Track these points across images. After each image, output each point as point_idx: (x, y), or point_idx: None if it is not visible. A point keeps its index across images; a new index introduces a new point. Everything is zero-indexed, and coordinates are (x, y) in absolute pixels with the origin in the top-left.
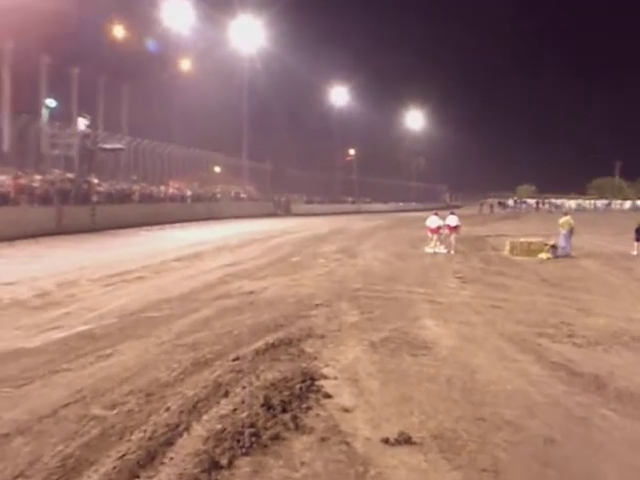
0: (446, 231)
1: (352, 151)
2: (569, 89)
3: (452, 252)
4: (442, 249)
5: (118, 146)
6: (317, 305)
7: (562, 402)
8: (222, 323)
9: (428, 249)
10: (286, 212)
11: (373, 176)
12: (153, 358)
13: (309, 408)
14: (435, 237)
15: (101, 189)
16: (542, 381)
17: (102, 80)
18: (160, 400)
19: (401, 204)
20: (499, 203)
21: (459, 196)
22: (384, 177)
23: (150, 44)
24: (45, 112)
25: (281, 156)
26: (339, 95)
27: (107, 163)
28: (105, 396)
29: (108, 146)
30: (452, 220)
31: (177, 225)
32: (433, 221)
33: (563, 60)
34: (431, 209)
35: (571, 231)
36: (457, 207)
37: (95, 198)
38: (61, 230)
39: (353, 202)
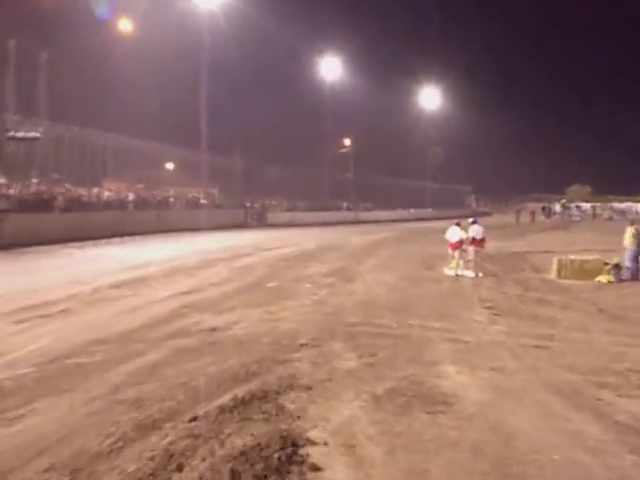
0: (470, 247)
1: (348, 142)
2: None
3: (480, 275)
4: (467, 271)
5: (33, 134)
6: (301, 346)
7: (632, 478)
8: (176, 371)
9: (448, 270)
10: (261, 222)
11: (375, 174)
12: (81, 420)
13: None
14: (457, 254)
15: (11, 192)
16: (604, 449)
17: (12, 44)
18: (90, 478)
19: (412, 211)
20: (543, 209)
21: (489, 200)
22: (390, 176)
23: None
24: None
25: (254, 149)
26: (331, 68)
27: (19, 157)
28: (14, 475)
29: (20, 134)
30: (475, 231)
31: (115, 240)
32: (454, 233)
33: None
34: (452, 218)
35: None
36: (486, 214)
37: (2, 205)
38: None
39: (349, 209)
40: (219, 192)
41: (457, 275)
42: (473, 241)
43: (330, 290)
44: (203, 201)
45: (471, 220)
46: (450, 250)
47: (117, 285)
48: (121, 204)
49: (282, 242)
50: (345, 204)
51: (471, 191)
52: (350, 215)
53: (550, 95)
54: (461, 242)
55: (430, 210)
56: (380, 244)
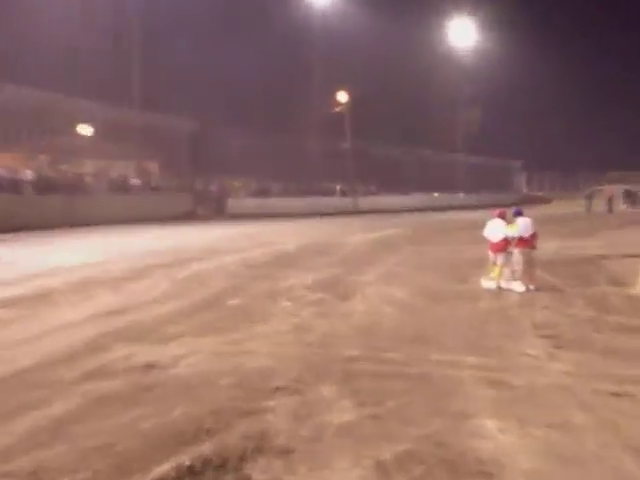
0: (515, 249)
1: (344, 97)
2: None
3: (533, 288)
4: (515, 283)
5: None
6: (276, 390)
7: None
8: (92, 428)
9: (487, 282)
10: (219, 212)
11: (383, 144)
12: None
13: None
14: (500, 259)
15: None
16: None
17: None
18: None
19: (436, 196)
20: (626, 194)
21: (547, 180)
22: (404, 146)
23: None
24: None
25: (211, 106)
26: None
27: None
28: None
29: None
30: (522, 226)
31: (5, 237)
32: (497, 229)
33: None
34: (493, 206)
35: None
36: (542, 201)
37: None
38: None
39: (344, 193)
40: (159, 168)
41: (500, 289)
42: (520, 241)
43: (317, 310)
44: (134, 181)
45: (513, 210)
46: (491, 253)
47: (6, 303)
48: (14, 186)
49: (249, 241)
50: (339, 187)
51: (521, 168)
52: (346, 202)
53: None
54: (507, 242)
55: (462, 195)
56: (389, 244)
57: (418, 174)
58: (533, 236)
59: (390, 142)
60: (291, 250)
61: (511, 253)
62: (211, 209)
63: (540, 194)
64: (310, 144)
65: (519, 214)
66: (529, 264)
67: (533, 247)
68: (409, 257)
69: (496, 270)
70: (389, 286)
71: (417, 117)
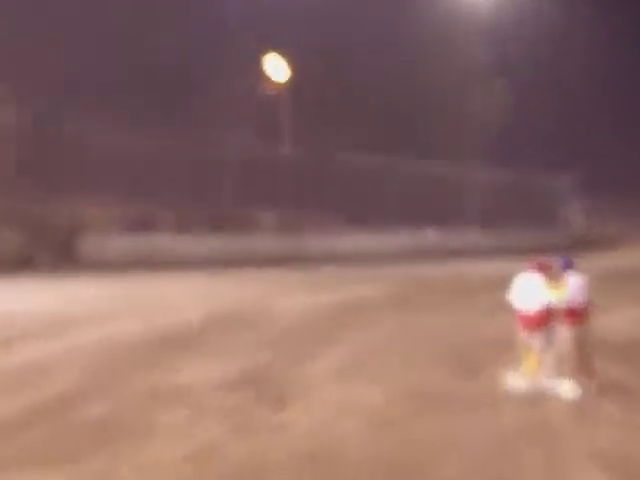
0: (563, 326)
1: (280, 70)
2: None
3: (590, 388)
4: (563, 383)
5: None
6: None
7: None
8: None
9: (515, 379)
10: (65, 258)
11: (348, 151)
12: None
13: None
14: (538, 341)
15: None
16: None
17: None
18: None
19: (434, 234)
20: None
21: (614, 208)
22: (382, 154)
23: None
24: None
25: (57, 89)
26: None
27: None
28: None
29: None
30: (576, 288)
31: None
32: (532, 292)
33: None
34: (526, 253)
35: None
36: (605, 244)
37: None
38: None
39: (282, 229)
40: None
41: (537, 390)
42: (570, 313)
43: (233, 424)
44: None
45: (561, 261)
46: (522, 332)
47: None
48: None
49: (122, 306)
50: (271, 216)
51: (571, 187)
52: (286, 243)
53: None
54: (548, 313)
55: (475, 233)
56: (355, 313)
57: (405, 199)
58: (585, 309)
59: (360, 147)
60: (192, 322)
61: (555, 332)
62: (53, 255)
63: (601, 231)
64: (228, 148)
65: (569, 267)
66: (584, 350)
67: (584, 322)
68: (389, 335)
69: (531, 359)
70: (354, 384)
71: (404, 107)
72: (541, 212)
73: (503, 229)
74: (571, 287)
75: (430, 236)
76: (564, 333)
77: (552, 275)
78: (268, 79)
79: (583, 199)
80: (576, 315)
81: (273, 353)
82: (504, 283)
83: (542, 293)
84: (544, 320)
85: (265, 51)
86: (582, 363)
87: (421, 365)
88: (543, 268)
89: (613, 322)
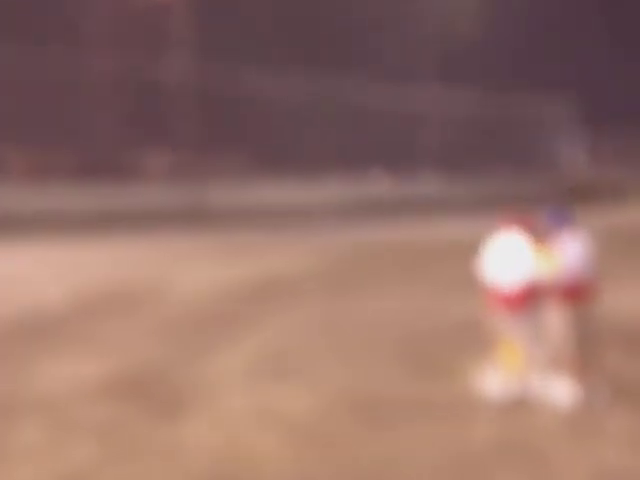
0: (554, 307)
1: None
2: None
3: (591, 389)
4: (556, 383)
5: None
6: None
7: None
8: None
9: (492, 379)
10: None
11: (261, 72)
12: None
13: None
14: (522, 328)
15: None
16: None
17: None
18: None
19: (379, 182)
20: None
21: (620, 144)
22: (305, 74)
23: None
24: None
25: None
26: None
27: None
28: None
29: None
30: (572, 255)
31: None
32: (511, 260)
33: None
34: (503, 206)
35: None
36: (609, 196)
37: None
38: None
39: (175, 177)
40: None
41: (522, 395)
42: (566, 290)
43: (111, 444)
44: None
45: (550, 215)
46: (500, 315)
47: None
48: None
49: None
50: (161, 161)
51: (563, 116)
52: (182, 196)
53: None
54: (534, 290)
55: (435, 180)
56: (275, 291)
57: (340, 135)
58: (593, 280)
59: (279, 68)
60: (55, 302)
61: (545, 315)
62: None
63: (608, 178)
64: (100, 71)
65: (564, 224)
66: (585, 340)
67: (584, 300)
68: (320, 321)
69: (512, 353)
70: (274, 386)
71: (337, 13)
72: (523, 150)
73: (471, 173)
74: (567, 252)
75: (375, 185)
76: (558, 317)
77: (539, 236)
78: None
79: (579, 133)
80: (574, 292)
81: (165, 346)
82: (473, 248)
83: (525, 261)
84: (529, 299)
85: None
86: (582, 357)
87: (364, 361)
88: (526, 226)
89: (624, 301)
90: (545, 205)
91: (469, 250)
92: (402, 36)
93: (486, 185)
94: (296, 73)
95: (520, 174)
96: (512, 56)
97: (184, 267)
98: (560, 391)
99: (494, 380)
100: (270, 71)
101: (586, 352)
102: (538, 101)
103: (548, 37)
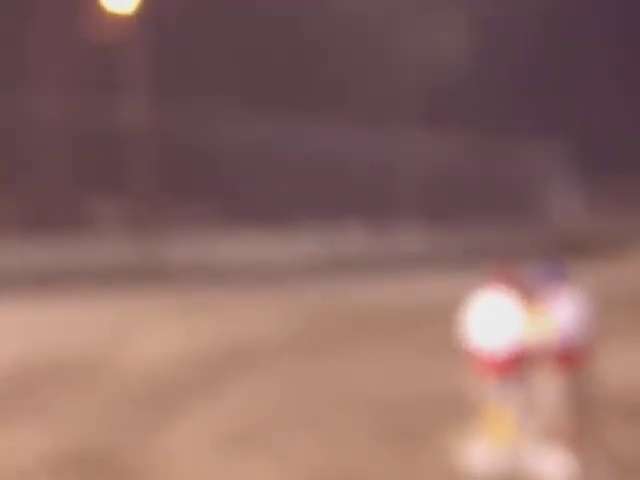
0: (548, 373)
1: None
2: None
3: (589, 464)
4: (549, 456)
5: None
6: None
7: None
8: None
9: (479, 451)
10: None
11: (221, 116)
12: None
13: None
14: (510, 397)
15: None
16: None
17: None
18: None
19: (352, 237)
20: None
21: (615, 195)
22: (272, 119)
23: None
24: None
25: None
26: None
27: None
28: None
29: None
30: (569, 316)
31: None
32: (498, 322)
33: None
34: (489, 260)
35: None
36: (607, 250)
37: None
38: None
39: (129, 229)
40: None
41: (512, 471)
42: (561, 354)
43: None
44: None
45: (542, 272)
46: (486, 382)
47: None
48: None
49: None
50: (113, 211)
51: (557, 162)
52: (133, 251)
53: None
54: (524, 354)
55: (416, 232)
56: (238, 357)
57: (313, 185)
58: (589, 343)
59: (245, 113)
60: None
61: (537, 382)
62: None
63: (605, 230)
64: (43, 108)
65: (558, 281)
66: (581, 409)
67: (579, 368)
68: (289, 389)
69: (500, 424)
70: (239, 462)
71: (308, 51)
72: (512, 200)
73: (456, 226)
74: (560, 312)
75: (350, 238)
76: (551, 383)
77: (529, 295)
78: (104, 10)
79: (574, 181)
80: (569, 356)
81: (117, 419)
82: (456, 308)
83: (515, 323)
84: (519, 364)
85: None
86: (578, 428)
87: (336, 434)
88: (515, 284)
89: (624, 366)
90: (537, 260)
91: (453, 310)
92: (381, 78)
93: (472, 239)
94: (263, 116)
95: (509, 226)
96: (501, 98)
97: (140, 330)
98: (554, 465)
99: (480, 453)
100: (235, 115)
101: (582, 422)
102: (530, 147)
103: (542, 79)
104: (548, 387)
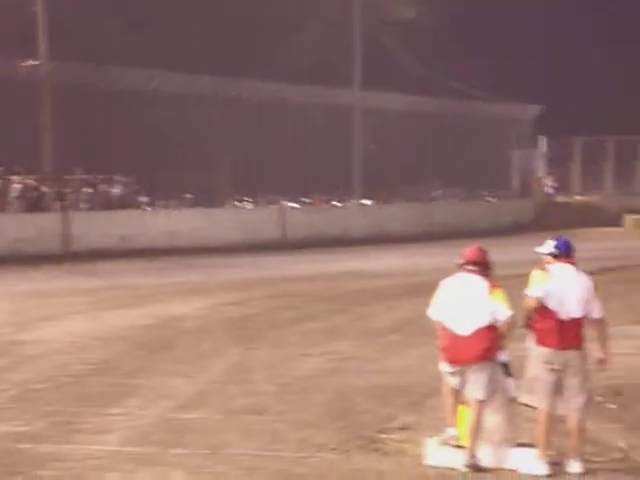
0: (533, 344)
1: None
2: None
3: (573, 461)
4: (527, 452)
5: None
6: None
7: None
8: None
9: (446, 453)
10: None
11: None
12: None
13: None
14: (482, 383)
15: None
16: None
17: None
18: None
19: (298, 207)
20: None
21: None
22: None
23: None
24: None
25: None
26: None
27: None
28: None
29: None
30: (560, 284)
31: None
32: (469, 298)
33: None
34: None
35: None
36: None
37: None
38: None
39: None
40: None
41: (486, 466)
42: (545, 326)
43: None
44: None
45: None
46: (451, 367)
47: None
48: None
49: None
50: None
51: (539, 124)
52: (46, 224)
53: None
54: (495, 334)
55: (360, 203)
56: (166, 343)
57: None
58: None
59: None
60: None
61: (502, 360)
62: None
63: (593, 197)
64: None
65: (558, 250)
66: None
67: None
68: (225, 378)
69: (464, 415)
70: (158, 467)
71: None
72: (484, 168)
73: (419, 195)
74: (556, 281)
75: (293, 209)
76: (538, 359)
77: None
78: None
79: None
80: (560, 333)
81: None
82: (424, 287)
83: (485, 304)
84: (494, 346)
85: None
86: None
87: (274, 426)
88: (484, 266)
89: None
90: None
91: (416, 287)
92: None
93: (435, 211)
94: None
95: (479, 194)
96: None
97: (48, 315)
98: (531, 461)
99: (447, 450)
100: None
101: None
102: (509, 110)
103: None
104: (538, 363)
